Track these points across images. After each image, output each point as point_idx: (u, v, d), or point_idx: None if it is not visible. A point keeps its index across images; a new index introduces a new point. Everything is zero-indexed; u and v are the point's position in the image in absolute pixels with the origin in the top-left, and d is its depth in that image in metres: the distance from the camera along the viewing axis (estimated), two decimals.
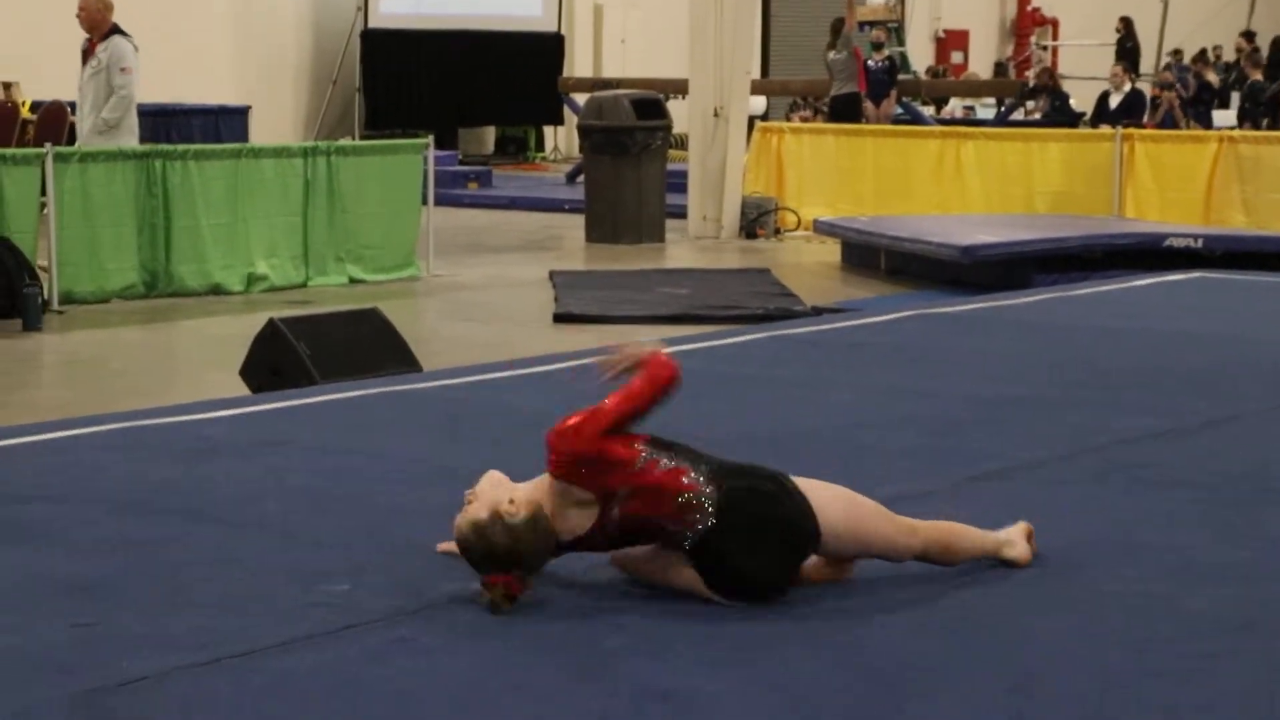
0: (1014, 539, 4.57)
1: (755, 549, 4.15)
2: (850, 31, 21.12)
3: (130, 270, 12.30)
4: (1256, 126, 21.18)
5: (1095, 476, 5.73)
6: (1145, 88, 23.73)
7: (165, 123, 19.03)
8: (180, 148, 13.24)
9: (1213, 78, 23.50)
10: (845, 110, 20.34)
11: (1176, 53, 25.24)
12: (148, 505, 5.28)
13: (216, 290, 12.61)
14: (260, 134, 20.10)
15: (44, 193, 11.91)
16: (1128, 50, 27.18)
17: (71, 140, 17.19)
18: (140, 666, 3.79)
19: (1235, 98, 22.92)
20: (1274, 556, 4.76)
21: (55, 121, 17.79)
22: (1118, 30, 27.80)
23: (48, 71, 20.53)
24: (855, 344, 8.79)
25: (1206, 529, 5.05)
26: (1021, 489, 5.55)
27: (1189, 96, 22.77)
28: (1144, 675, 3.82)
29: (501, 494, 4.14)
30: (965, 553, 4.50)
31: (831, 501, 4.27)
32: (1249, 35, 25.18)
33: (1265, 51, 25.43)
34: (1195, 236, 13.37)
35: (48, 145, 12.22)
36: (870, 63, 21.21)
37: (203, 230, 12.57)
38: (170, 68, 22.67)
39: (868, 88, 20.86)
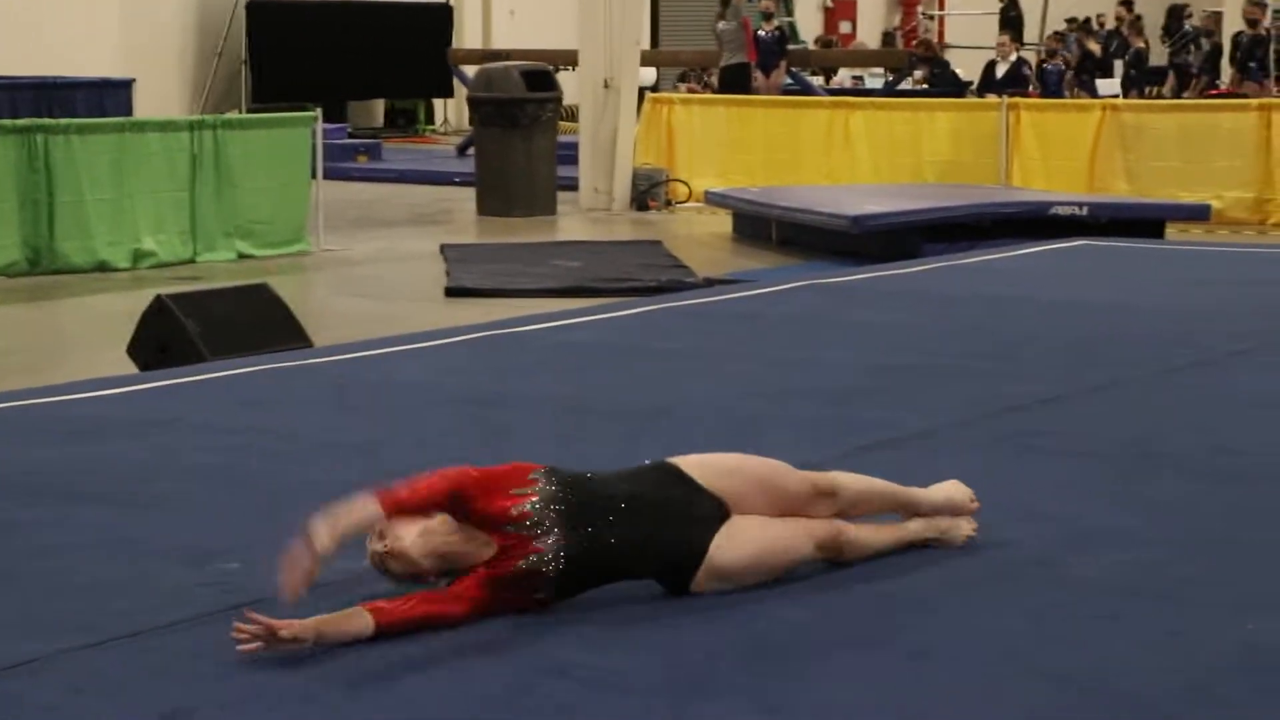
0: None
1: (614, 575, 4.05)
2: (739, 2, 21.13)
3: (13, 247, 12.13)
4: (1141, 94, 21.42)
5: (986, 444, 5.77)
6: (1030, 57, 23.92)
7: (47, 96, 18.75)
8: (63, 122, 13.06)
9: (1095, 47, 23.70)
10: (734, 80, 20.35)
11: (1071, 21, 25.45)
12: (31, 486, 5.20)
13: (102, 267, 12.47)
14: (145, 108, 19.85)
15: None
16: (1011, 20, 27.37)
17: None
18: (25, 649, 3.74)
19: (1118, 66, 23.14)
20: (1159, 522, 4.81)
21: None
22: (1000, 1, 28.01)
23: None
24: (747, 315, 8.81)
25: (1094, 496, 5.10)
26: (914, 457, 5.58)
27: (1074, 65, 23.00)
28: (1037, 640, 3.85)
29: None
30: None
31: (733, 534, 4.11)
32: (1128, 4, 25.43)
33: (1157, 19, 25.72)
34: (1080, 205, 13.50)
35: None
36: (760, 33, 21.22)
37: (87, 206, 12.41)
38: (53, 41, 22.39)
39: (757, 58, 20.88)
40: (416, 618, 3.82)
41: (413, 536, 3.91)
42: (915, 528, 4.44)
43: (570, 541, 3.90)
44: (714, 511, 4.09)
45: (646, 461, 4.23)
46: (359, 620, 3.78)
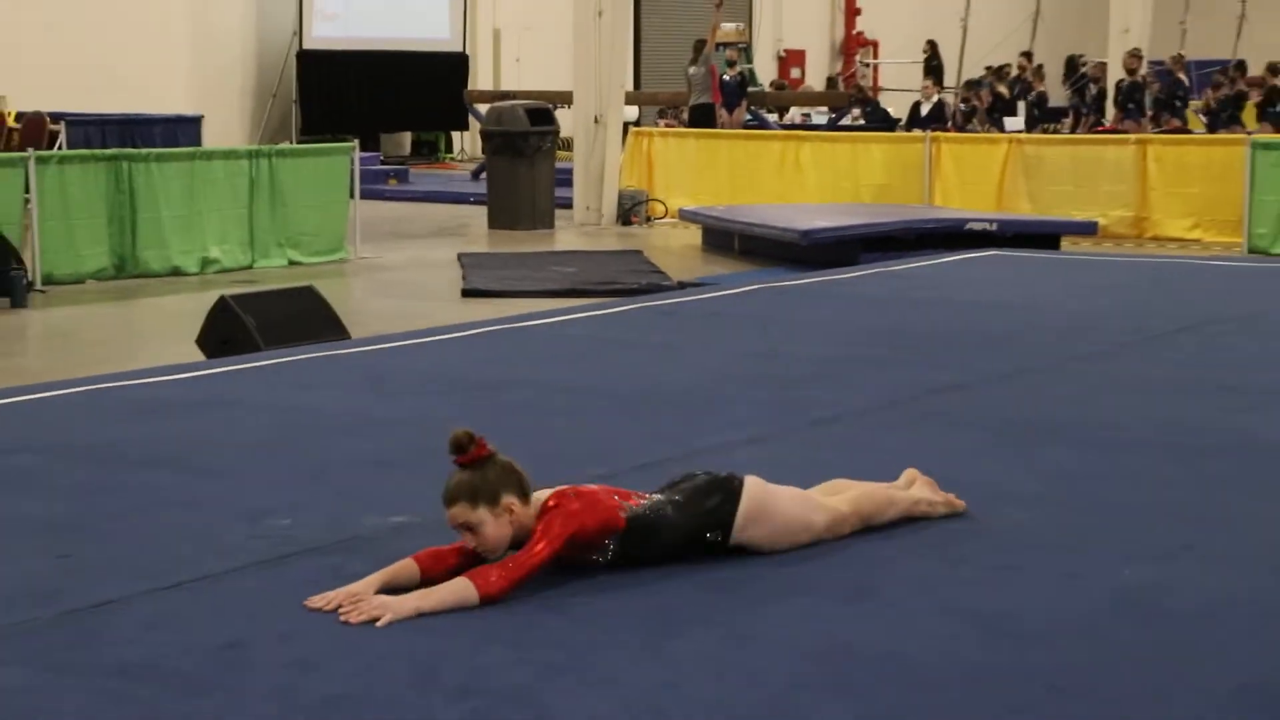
0: (931, 498, 4.37)
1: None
2: (709, 51, 21.07)
3: (102, 255, 12.11)
4: (1042, 131, 21.40)
5: (911, 422, 5.77)
6: (949, 99, 23.91)
7: (131, 130, 18.70)
8: (144, 151, 13.01)
9: (1004, 90, 23.69)
10: (701, 118, 20.31)
11: (989, 68, 25.41)
12: (116, 456, 5.19)
13: (176, 272, 12.44)
14: (211, 139, 19.78)
15: (27, 190, 11.69)
16: (934, 68, 27.30)
17: (51, 145, 16.89)
18: (110, 590, 3.73)
19: (1022, 106, 23.12)
20: (1057, 485, 4.81)
21: (37, 129, 17.45)
22: (924, 51, 27.93)
23: (30, 85, 20.14)
24: (714, 313, 8.80)
25: (1003, 464, 5.10)
26: (852, 433, 5.58)
27: (987, 106, 22.99)
28: (953, 583, 3.85)
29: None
30: (888, 519, 4.26)
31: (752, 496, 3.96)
32: (1028, 55, 25.38)
33: (1057, 66, 25.67)
34: (990, 221, 13.49)
35: (30, 150, 11.99)
36: (725, 77, 21.16)
37: (164, 221, 12.39)
38: (135, 83, 22.31)
39: (722, 98, 20.83)
40: (516, 582, 3.65)
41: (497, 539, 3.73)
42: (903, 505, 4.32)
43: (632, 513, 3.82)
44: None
45: (724, 474, 4.00)
46: (465, 592, 3.61)
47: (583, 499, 3.80)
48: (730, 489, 3.94)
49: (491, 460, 3.77)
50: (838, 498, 4.21)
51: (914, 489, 4.39)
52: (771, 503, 4.00)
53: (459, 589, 3.62)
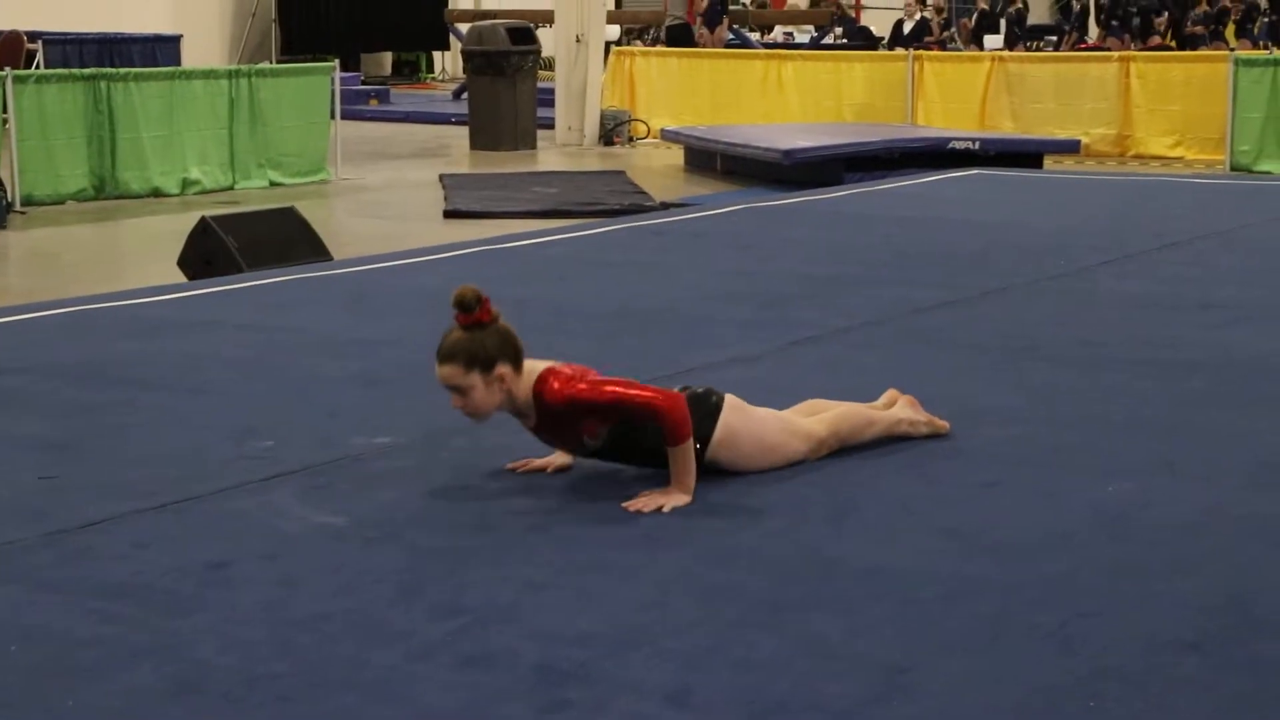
0: (914, 418, 4.31)
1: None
2: None
3: (82, 176, 12.03)
4: (1024, 48, 21.29)
5: (894, 340, 5.78)
6: (932, 14, 23.75)
7: (109, 49, 18.52)
8: (123, 71, 12.89)
9: (985, 6, 23.58)
10: (678, 36, 20.19)
11: None
12: (101, 376, 5.18)
13: (156, 193, 12.37)
14: (191, 59, 19.59)
15: (4, 110, 11.59)
16: None
17: (29, 64, 16.72)
18: (98, 510, 3.74)
19: (1002, 24, 22.99)
20: (1037, 403, 4.84)
21: (14, 48, 17.28)
22: None
23: (6, 3, 19.91)
24: (697, 233, 8.79)
25: (983, 381, 5.12)
26: (835, 351, 5.59)
27: (971, 24, 22.86)
28: (933, 501, 3.87)
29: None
30: (869, 439, 4.22)
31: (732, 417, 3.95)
32: None
33: None
34: (973, 140, 13.47)
35: (6, 69, 11.86)
36: None
37: (143, 142, 12.30)
38: (113, 2, 22.06)
39: (705, 17, 20.68)
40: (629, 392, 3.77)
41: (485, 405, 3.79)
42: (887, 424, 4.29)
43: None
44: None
45: (701, 390, 3.99)
46: (679, 446, 3.73)
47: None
48: (709, 407, 3.95)
49: (493, 325, 3.76)
50: (815, 419, 4.20)
51: (895, 408, 4.37)
52: (747, 424, 4.00)
53: (676, 451, 3.73)
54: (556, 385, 3.75)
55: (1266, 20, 20.41)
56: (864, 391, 4.52)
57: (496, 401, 3.78)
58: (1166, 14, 19.68)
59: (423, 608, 3.15)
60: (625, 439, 3.85)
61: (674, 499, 3.74)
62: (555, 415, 3.79)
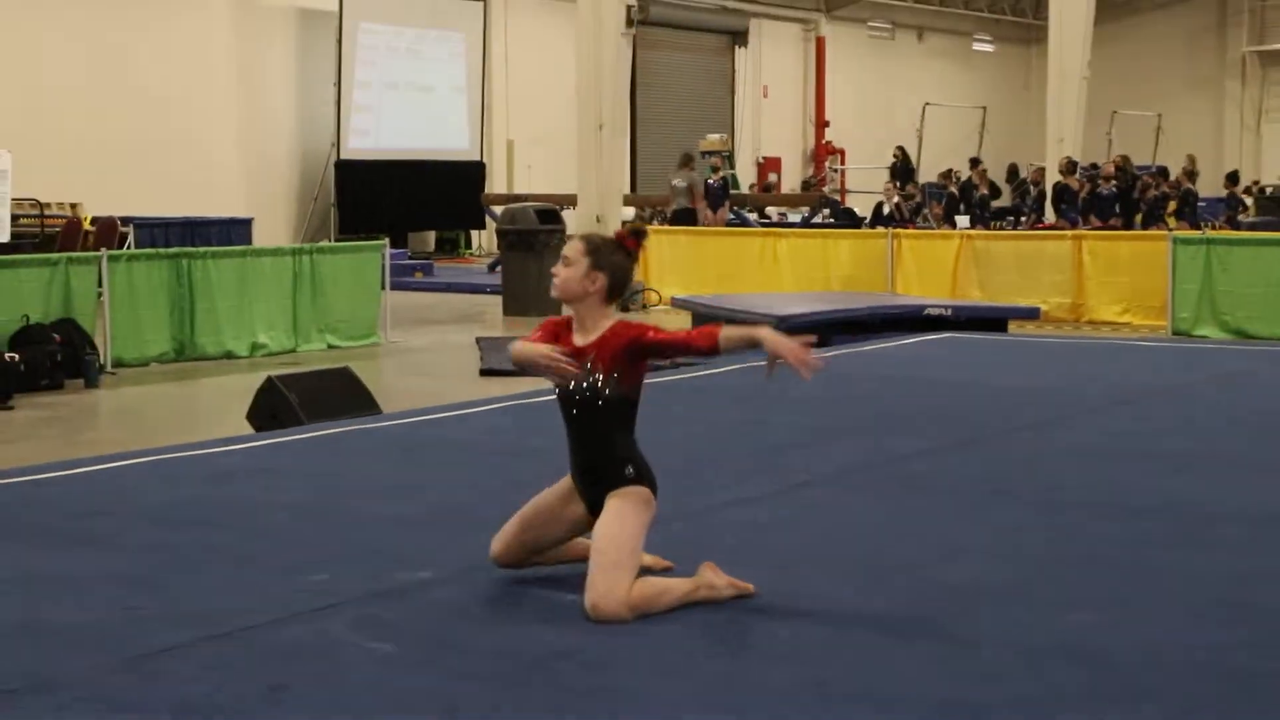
0: (714, 582, 3.98)
1: None
2: (694, 174, 21.11)
3: (164, 341, 12.13)
4: (985, 227, 21.55)
5: (878, 484, 5.78)
6: (901, 202, 24.01)
7: (191, 230, 18.81)
8: (201, 250, 13.07)
9: (954, 191, 23.84)
10: (682, 220, 20.39)
11: (946, 173, 25.50)
12: (178, 517, 5.19)
13: (229, 355, 12.45)
14: (261, 238, 19.87)
15: (100, 285, 11.75)
16: (906, 170, 27.21)
17: (121, 245, 16.97)
18: (173, 637, 3.73)
19: (963, 207, 23.26)
20: (1000, 540, 4.82)
21: (109, 231, 17.54)
22: (895, 156, 27.95)
23: (102, 193, 20.29)
24: (701, 389, 8.82)
25: (954, 518, 5.11)
26: (826, 494, 5.59)
27: (943, 207, 23.14)
28: (911, 621, 3.84)
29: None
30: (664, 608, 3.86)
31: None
32: (975, 161, 25.52)
33: (1001, 173, 25.80)
34: (946, 307, 13.52)
35: (103, 250, 12.06)
36: (710, 181, 21.28)
37: (218, 310, 12.42)
38: (195, 190, 22.47)
39: (707, 199, 20.92)
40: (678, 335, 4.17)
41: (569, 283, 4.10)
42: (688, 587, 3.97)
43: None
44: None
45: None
46: (728, 335, 4.05)
47: None
48: (653, 476, 4.14)
49: (629, 258, 4.05)
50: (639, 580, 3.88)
51: (698, 574, 3.99)
52: (642, 521, 3.99)
53: (723, 347, 4.08)
54: (641, 327, 4.06)
55: (1202, 204, 20.62)
56: (850, 530, 4.52)
57: (579, 292, 4.06)
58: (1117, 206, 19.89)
59: None
60: (623, 417, 4.19)
61: (774, 343, 3.98)
62: (619, 344, 4.11)
